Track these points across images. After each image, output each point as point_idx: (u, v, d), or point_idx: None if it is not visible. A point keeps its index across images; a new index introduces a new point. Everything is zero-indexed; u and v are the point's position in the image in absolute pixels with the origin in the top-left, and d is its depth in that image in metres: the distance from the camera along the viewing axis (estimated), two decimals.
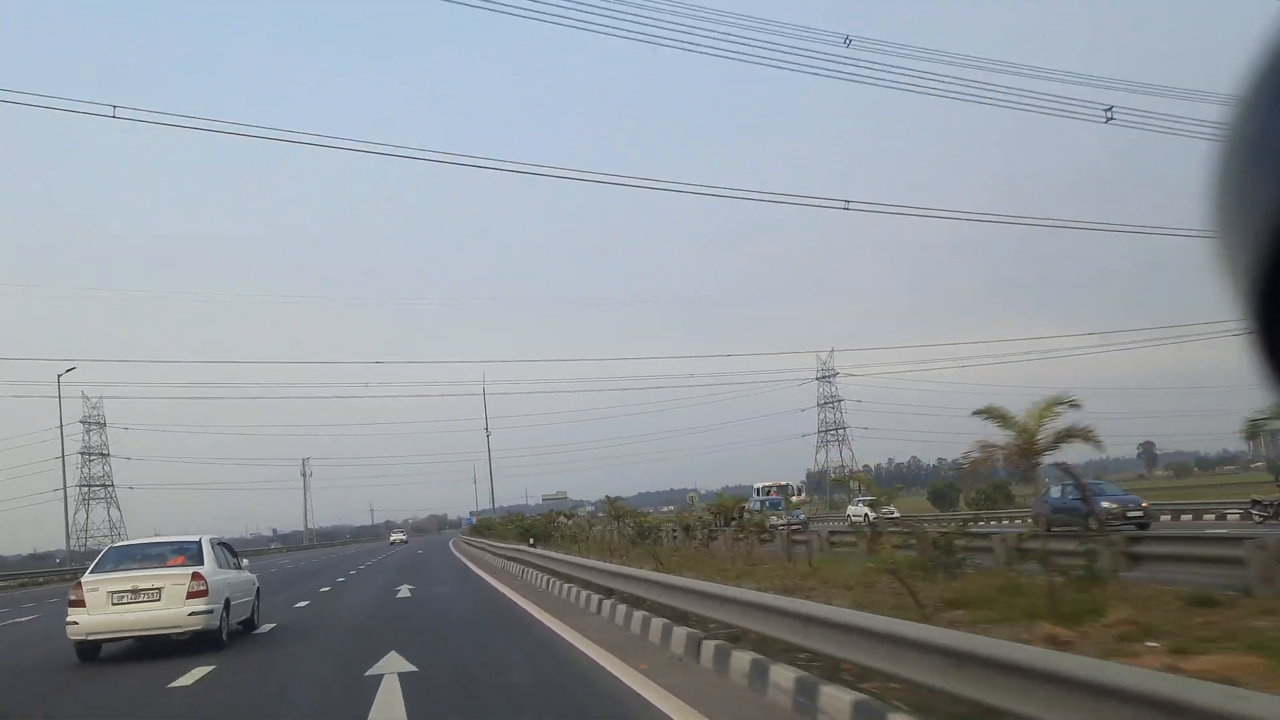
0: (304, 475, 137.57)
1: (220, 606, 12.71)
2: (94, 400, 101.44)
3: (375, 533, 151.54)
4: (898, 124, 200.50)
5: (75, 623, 12.07)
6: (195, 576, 12.37)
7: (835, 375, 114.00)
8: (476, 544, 52.18)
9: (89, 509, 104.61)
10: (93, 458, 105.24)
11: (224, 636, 12.81)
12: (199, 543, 13.25)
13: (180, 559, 12.81)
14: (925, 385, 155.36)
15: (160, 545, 13.55)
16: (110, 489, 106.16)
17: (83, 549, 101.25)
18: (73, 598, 12.30)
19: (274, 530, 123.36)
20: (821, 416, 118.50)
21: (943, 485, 76.95)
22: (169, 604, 12.17)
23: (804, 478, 54.11)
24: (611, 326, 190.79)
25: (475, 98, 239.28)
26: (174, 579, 12.33)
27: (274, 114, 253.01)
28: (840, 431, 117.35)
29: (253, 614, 14.80)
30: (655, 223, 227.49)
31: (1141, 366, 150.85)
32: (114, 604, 12.10)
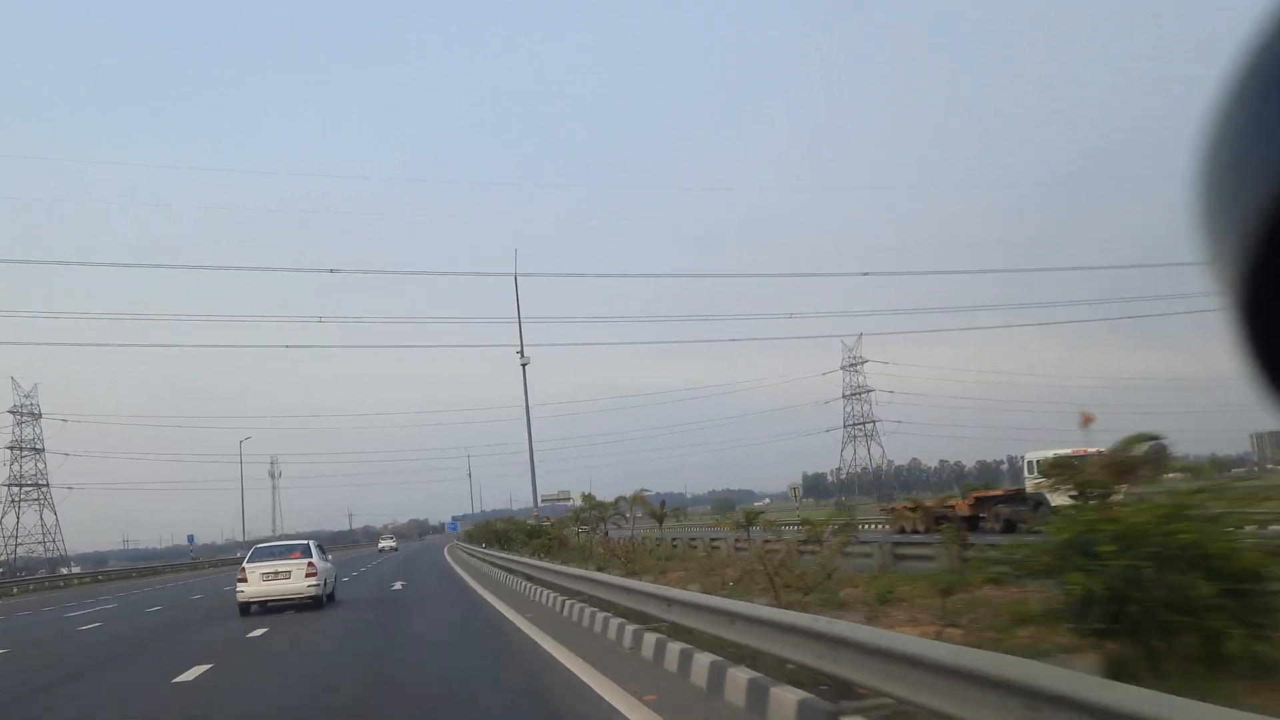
0: (271, 476, 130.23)
1: (322, 584, 21.28)
2: (27, 389, 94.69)
3: (351, 539, 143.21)
4: None
5: (241, 591, 20.56)
6: (310, 564, 20.94)
7: (864, 363, 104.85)
8: (511, 565, 27.42)
9: (19, 512, 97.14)
10: (24, 453, 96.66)
11: (323, 602, 21.37)
12: (309, 544, 22.01)
13: (298, 554, 21.33)
14: (938, 379, 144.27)
15: (282, 546, 22.26)
16: (45, 489, 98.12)
17: (13, 557, 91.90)
18: (239, 576, 20.82)
19: (190, 538, 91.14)
20: (848, 409, 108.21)
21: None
22: (296, 581, 20.68)
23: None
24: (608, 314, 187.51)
25: None
26: (297, 566, 20.85)
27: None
28: (869, 426, 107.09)
29: (334, 590, 23.36)
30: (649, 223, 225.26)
31: (1154, 363, 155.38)
32: (263, 580, 20.60)
